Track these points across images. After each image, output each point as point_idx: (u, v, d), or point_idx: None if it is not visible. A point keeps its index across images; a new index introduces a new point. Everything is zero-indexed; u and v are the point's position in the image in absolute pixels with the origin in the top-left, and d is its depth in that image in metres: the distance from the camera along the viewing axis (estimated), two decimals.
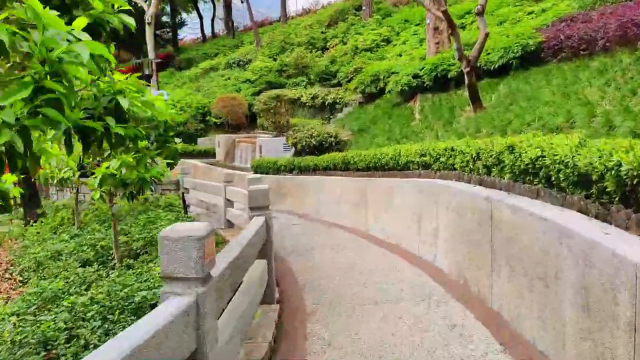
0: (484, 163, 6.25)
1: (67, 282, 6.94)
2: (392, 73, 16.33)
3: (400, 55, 18.89)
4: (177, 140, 8.96)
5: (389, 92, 15.75)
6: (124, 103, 4.08)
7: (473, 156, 6.63)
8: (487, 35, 10.50)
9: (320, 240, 9.45)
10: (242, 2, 34.58)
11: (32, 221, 13.16)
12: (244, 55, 29.31)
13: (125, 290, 6.03)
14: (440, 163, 7.69)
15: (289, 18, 35.45)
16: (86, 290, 6.74)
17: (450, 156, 7.40)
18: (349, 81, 19.75)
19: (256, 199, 5.36)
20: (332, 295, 6.08)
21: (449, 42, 15.60)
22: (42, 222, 12.56)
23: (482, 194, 5.72)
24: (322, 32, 25.84)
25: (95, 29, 4.18)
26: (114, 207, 8.41)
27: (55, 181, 8.59)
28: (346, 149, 14.88)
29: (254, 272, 4.66)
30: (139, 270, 7.24)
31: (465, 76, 10.77)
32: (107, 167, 7.56)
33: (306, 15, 32.54)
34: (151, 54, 31.70)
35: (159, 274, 7.37)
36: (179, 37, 47.60)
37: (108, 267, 8.42)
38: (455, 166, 7.27)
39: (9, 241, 12.49)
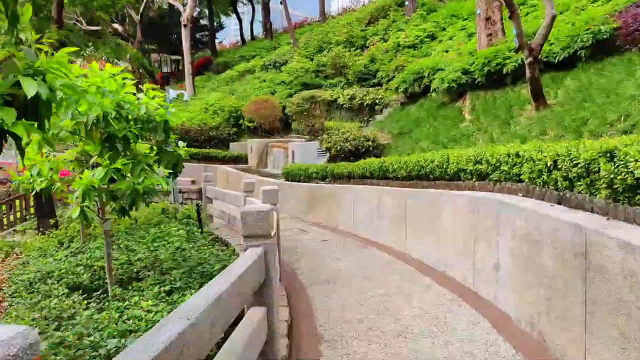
0: (565, 174, 4.65)
1: (34, 320, 5.66)
2: (438, 70, 14.65)
3: (447, 52, 17.18)
4: (181, 144, 7.65)
5: (434, 90, 14.09)
6: (30, 88, 2.69)
7: (548, 164, 5.02)
8: (554, 17, 8.77)
9: (351, 264, 7.93)
10: (280, 3, 33.42)
11: (43, 232, 12.17)
12: (281, 56, 28.10)
13: (94, 336, 4.69)
14: (502, 172, 6.08)
15: (328, 18, 34.08)
16: (56, 329, 5.43)
17: (515, 164, 5.78)
18: (390, 80, 18.15)
19: (251, 225, 3.91)
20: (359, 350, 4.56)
21: (503, 34, 13.84)
22: (50, 233, 11.52)
23: (566, 219, 4.11)
24: (362, 30, 24.31)
25: None
26: (107, 224, 7.13)
27: (33, 192, 7.46)
28: (385, 154, 13.32)
29: (236, 344, 3.16)
30: (125, 303, 5.90)
31: (527, 68, 9.07)
32: (92, 177, 6.30)
33: (346, 14, 31.08)
34: (187, 56, 30.97)
35: (146, 307, 5.85)
36: (218, 40, 47.04)
37: (99, 295, 7.14)
38: (522, 177, 5.66)
39: (15, 254, 11.50)
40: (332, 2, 46.17)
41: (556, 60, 10.75)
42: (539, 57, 9.25)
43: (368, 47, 22.68)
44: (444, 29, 20.83)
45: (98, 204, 6.81)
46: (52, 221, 12.94)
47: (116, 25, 30.54)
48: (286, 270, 7.96)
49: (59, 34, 12.82)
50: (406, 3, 23.79)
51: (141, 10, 27.37)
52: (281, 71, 25.52)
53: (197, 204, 9.56)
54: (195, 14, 43.60)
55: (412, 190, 8.36)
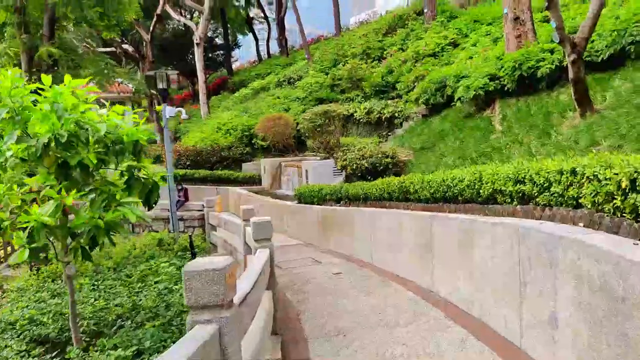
0: None
1: None
2: (462, 77, 13.31)
3: (471, 58, 15.82)
4: (156, 169, 6.49)
5: (459, 99, 12.73)
6: None
7: (623, 185, 3.69)
8: (602, 5, 7.39)
9: (367, 306, 6.60)
10: (296, 19, 32.54)
11: (32, 267, 11.10)
12: (296, 72, 27.07)
13: None
14: (552, 195, 4.74)
15: (344, 31, 33.04)
16: None
17: (571, 184, 4.46)
18: (410, 92, 16.85)
19: (197, 291, 2.65)
20: None
21: (534, 35, 12.46)
22: (38, 270, 10.44)
23: None
24: (379, 41, 23.10)
25: None
26: (69, 267, 5.96)
27: None
28: (406, 172, 11.98)
29: None
30: None
31: (570, 67, 7.71)
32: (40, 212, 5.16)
33: (362, 26, 29.98)
34: (201, 76, 30.22)
35: None
36: (235, 59, 46.48)
37: (63, 352, 5.97)
38: (581, 201, 4.32)
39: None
40: (350, 17, 45.23)
41: (599, 59, 9.35)
42: (582, 55, 7.87)
43: (385, 58, 21.45)
44: (466, 36, 19.49)
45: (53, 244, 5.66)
46: (42, 255, 11.83)
47: (126, 46, 29.97)
48: (289, 315, 6.67)
49: (50, 52, 11.93)
50: (425, 10, 22.53)
51: (151, 29, 26.66)
52: (296, 87, 24.44)
53: (190, 235, 8.36)
54: (210, 33, 43.13)
55: (437, 215, 7.01)
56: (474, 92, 12.07)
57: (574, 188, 4.40)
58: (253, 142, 21.52)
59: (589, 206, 4.20)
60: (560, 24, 7.59)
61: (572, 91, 8.08)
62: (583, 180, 4.26)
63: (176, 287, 7.27)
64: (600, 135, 6.95)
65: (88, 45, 24.47)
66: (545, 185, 4.86)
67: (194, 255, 8.15)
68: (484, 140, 10.52)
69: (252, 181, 20.22)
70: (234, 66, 49.30)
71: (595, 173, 4.04)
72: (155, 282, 7.53)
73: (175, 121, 30.63)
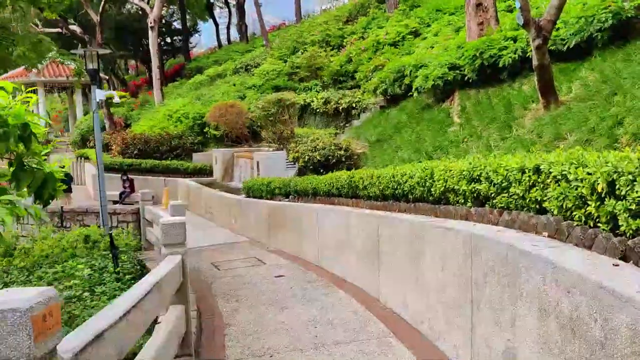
0: (633, 206, 2.61)
1: None
2: (421, 67, 12.60)
3: (432, 48, 15.16)
4: (54, 158, 5.44)
5: (417, 90, 12.01)
6: None
7: (599, 188, 2.98)
8: None
9: (304, 318, 5.80)
10: (254, 4, 31.34)
11: None
12: (253, 59, 26.00)
13: None
14: (511, 197, 4.01)
15: (306, 19, 32.06)
16: None
17: (534, 185, 3.75)
18: (368, 82, 16.09)
19: None
20: None
21: (497, 23, 11.84)
22: None
23: None
24: (339, 29, 22.28)
25: None
26: None
27: None
28: (361, 166, 11.23)
29: None
30: None
31: (534, 54, 7.04)
32: None
33: (323, 14, 29.07)
34: (154, 60, 28.80)
35: None
36: (193, 45, 44.95)
37: None
38: (546, 205, 3.60)
39: None
40: (311, 5, 44.28)
41: (565, 48, 8.74)
42: (549, 39, 7.19)
43: (345, 46, 20.64)
44: (428, 25, 18.83)
45: None
46: None
47: (74, 27, 28.26)
48: (215, 329, 5.80)
49: None
50: None
51: (100, 10, 25.11)
52: (252, 75, 23.40)
53: (110, 234, 7.37)
54: (168, 17, 41.52)
55: (386, 215, 6.24)
56: (433, 82, 11.37)
57: (537, 189, 3.67)
58: (205, 131, 20.42)
59: (555, 212, 3.47)
60: (525, 5, 6.88)
61: (535, 80, 7.42)
62: (549, 181, 3.53)
63: (86, 294, 6.30)
64: (566, 128, 6.30)
65: (33, 24, 22.83)
66: (503, 185, 4.12)
67: (115, 257, 7.15)
68: (441, 134, 9.83)
69: (204, 172, 19.17)
70: (194, 52, 47.72)
71: (564, 172, 3.31)
72: (65, 287, 6.53)
73: (126, 108, 29.18)
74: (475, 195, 4.60)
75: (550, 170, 3.48)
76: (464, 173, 4.70)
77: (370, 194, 7.22)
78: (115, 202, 17.37)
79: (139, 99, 30.98)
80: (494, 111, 9.05)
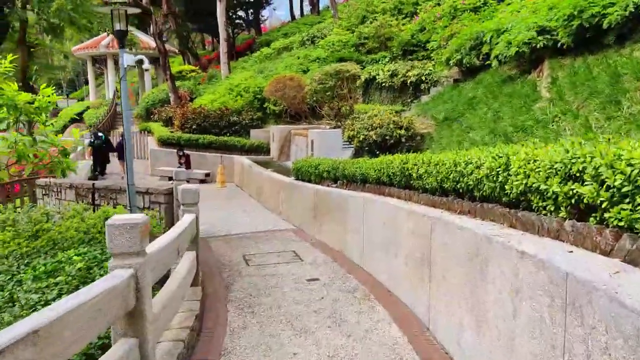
0: None
1: None
2: (504, 32, 10.61)
3: (519, 12, 12.99)
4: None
5: (496, 58, 10.07)
6: None
7: None
8: None
9: (321, 352, 4.38)
10: None
11: None
12: (321, 30, 24.44)
13: None
14: None
15: None
16: None
17: None
18: (442, 51, 14.15)
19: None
20: None
21: None
22: None
23: None
24: None
25: None
26: None
27: None
28: (423, 148, 9.56)
29: None
30: None
31: None
32: None
33: None
34: (222, 33, 28.02)
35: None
36: (264, 18, 43.96)
37: None
38: None
39: None
40: None
41: None
42: None
43: (419, 14, 18.64)
44: None
45: None
46: None
47: None
48: (207, 353, 4.51)
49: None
50: None
51: None
52: (317, 46, 21.89)
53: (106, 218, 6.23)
54: None
55: (442, 217, 4.66)
56: (517, 49, 9.41)
57: None
58: (265, 106, 19.25)
59: None
60: None
61: None
62: None
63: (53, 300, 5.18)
64: None
65: None
66: (625, 189, 2.47)
67: None
68: (524, 111, 7.96)
69: (261, 150, 18.06)
70: (268, 26, 46.80)
71: None
72: (47, 288, 5.47)
73: (193, 82, 28.65)
74: (573, 201, 2.96)
75: None
76: (556, 166, 3.06)
77: (426, 186, 5.62)
78: (170, 179, 16.68)
79: (208, 73, 30.39)
80: (595, 83, 7.09)
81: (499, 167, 3.97)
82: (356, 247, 7.42)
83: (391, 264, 6.04)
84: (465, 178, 4.63)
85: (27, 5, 12.50)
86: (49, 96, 6.90)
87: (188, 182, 17.93)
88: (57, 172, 6.32)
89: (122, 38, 8.65)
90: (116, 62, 32.52)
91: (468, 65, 12.27)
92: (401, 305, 5.50)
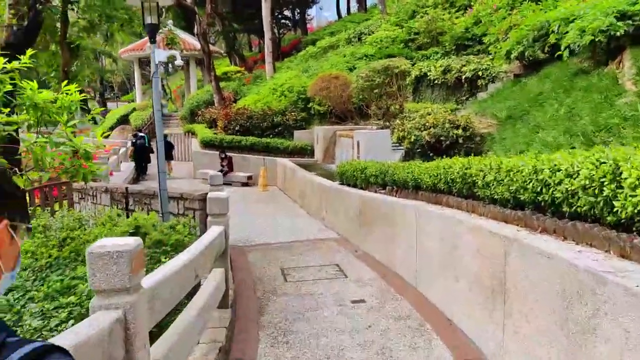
0: None
1: None
2: (574, 20, 9.43)
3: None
4: None
5: (567, 49, 8.91)
6: None
7: None
8: None
9: None
10: None
11: None
12: (368, 27, 23.50)
13: None
14: None
15: None
16: None
17: None
18: (500, 44, 13.00)
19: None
20: None
21: None
22: None
23: None
24: None
25: None
26: None
27: None
28: (484, 151, 8.55)
29: None
30: None
31: None
32: None
33: None
34: (267, 33, 27.49)
35: None
36: (310, 18, 43.33)
37: None
38: None
39: None
40: None
41: None
42: None
43: (473, 7, 17.45)
44: None
45: None
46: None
47: None
48: None
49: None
50: None
51: None
52: (364, 43, 20.98)
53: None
54: None
55: (519, 239, 3.72)
56: (591, 37, 8.26)
57: None
58: (309, 106, 18.50)
59: None
60: None
61: None
62: None
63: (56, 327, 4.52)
64: None
65: None
66: None
67: None
68: (606, 107, 6.85)
69: (304, 152, 17.31)
70: (315, 26, 46.16)
71: None
72: (48, 311, 4.83)
73: (237, 83, 28.26)
74: None
75: None
76: None
77: (495, 196, 4.68)
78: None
79: (253, 74, 29.97)
80: None
81: (603, 177, 3.02)
82: (407, 263, 6.51)
83: (451, 288, 5.11)
84: (551, 189, 3.69)
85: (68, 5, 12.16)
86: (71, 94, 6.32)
87: (231, 184, 17.47)
88: (77, 178, 5.68)
89: (153, 32, 8.03)
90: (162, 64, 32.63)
91: (531, 58, 11.12)
92: (463, 338, 4.59)
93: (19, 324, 4.77)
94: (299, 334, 4.90)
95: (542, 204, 3.92)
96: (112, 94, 53.48)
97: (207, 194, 9.21)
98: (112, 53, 34.69)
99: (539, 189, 3.89)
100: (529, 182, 4.02)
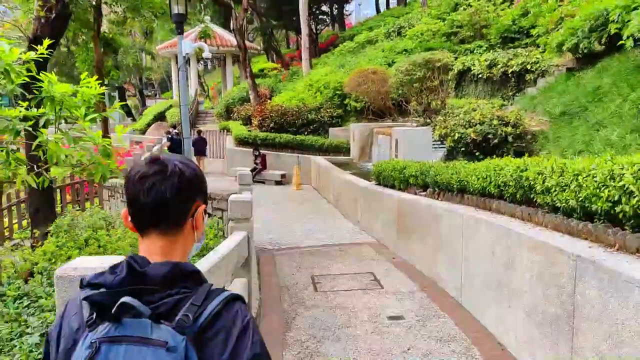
0: None
1: None
2: (636, 7, 8.54)
3: None
4: None
5: (631, 38, 8.04)
6: None
7: None
8: None
9: None
10: None
11: (33, 246, 8.72)
12: (407, 20, 22.70)
13: None
14: None
15: None
16: None
17: None
18: (551, 36, 12.10)
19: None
20: None
21: None
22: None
23: None
24: None
25: None
26: None
27: None
28: (536, 150, 7.78)
29: None
30: None
31: None
32: None
33: None
34: (304, 28, 27.00)
35: None
36: (348, 13, 42.59)
37: None
38: None
39: None
40: None
41: None
42: None
43: None
44: None
45: None
46: (45, 229, 9.44)
47: None
48: None
49: None
50: None
51: None
52: (404, 37, 20.21)
53: None
54: None
55: (594, 259, 3.05)
56: None
57: None
58: (346, 103, 17.89)
59: None
60: None
61: None
62: None
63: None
64: None
65: None
66: None
67: None
68: None
69: (340, 150, 16.71)
70: (354, 22, 45.42)
71: None
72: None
73: (274, 79, 27.88)
74: None
75: None
76: None
77: (557, 204, 4.00)
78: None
79: (289, 70, 29.57)
80: None
81: None
82: (452, 276, 5.86)
83: (504, 311, 4.45)
84: (635, 199, 3.01)
85: None
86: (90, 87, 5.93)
87: (264, 183, 17.05)
88: (96, 177, 5.26)
89: (180, 23, 7.62)
90: (198, 60, 32.58)
91: (585, 50, 10.22)
92: None
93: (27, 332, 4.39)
94: (328, 356, 4.34)
95: (620, 216, 3.24)
96: (152, 91, 54.01)
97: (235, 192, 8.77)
98: (150, 50, 34.89)
99: (616, 198, 3.21)
100: (603, 189, 3.34)
